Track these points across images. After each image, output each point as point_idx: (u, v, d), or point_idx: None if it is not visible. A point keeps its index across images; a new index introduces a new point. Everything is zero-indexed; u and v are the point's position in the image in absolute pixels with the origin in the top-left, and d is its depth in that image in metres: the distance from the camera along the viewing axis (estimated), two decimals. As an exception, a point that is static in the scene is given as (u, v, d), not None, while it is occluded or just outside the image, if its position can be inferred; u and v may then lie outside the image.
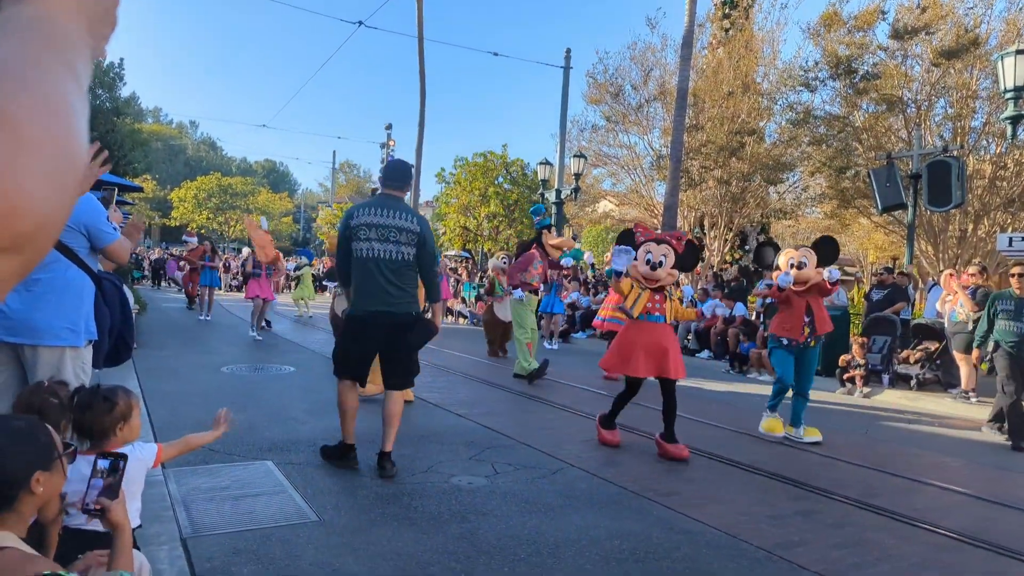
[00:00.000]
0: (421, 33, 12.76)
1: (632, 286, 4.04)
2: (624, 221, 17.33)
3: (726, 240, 14.78)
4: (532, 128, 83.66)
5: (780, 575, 2.47)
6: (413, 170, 5.03)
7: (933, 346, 7.45)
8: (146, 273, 21.52)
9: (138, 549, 1.59)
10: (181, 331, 9.41)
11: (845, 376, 7.20)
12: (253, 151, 73.07)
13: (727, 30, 14.99)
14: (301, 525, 2.65)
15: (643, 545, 2.64)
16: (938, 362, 7.39)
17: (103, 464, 1.41)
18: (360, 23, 13.30)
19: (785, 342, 4.45)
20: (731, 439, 4.58)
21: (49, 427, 1.30)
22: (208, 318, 10.79)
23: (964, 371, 6.79)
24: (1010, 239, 8.30)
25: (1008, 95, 6.96)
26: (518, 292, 6.68)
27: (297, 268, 13.21)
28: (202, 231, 30.50)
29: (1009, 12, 11.15)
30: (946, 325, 7.15)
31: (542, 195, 15.03)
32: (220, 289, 13.82)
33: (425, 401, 5.21)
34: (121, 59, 14.49)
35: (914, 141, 9.87)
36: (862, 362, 7.15)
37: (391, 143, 22.40)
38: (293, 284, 13.11)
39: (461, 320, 13.83)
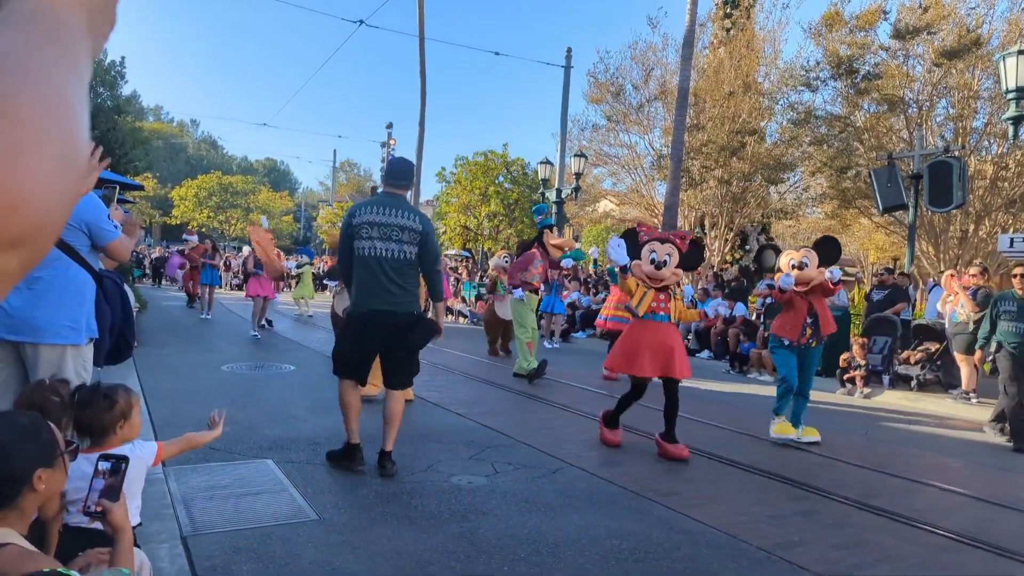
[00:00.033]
0: (422, 32, 12.76)
1: (638, 284, 4.02)
2: (624, 221, 17.32)
3: (727, 240, 14.77)
4: (533, 127, 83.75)
5: (780, 575, 2.47)
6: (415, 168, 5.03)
7: (934, 347, 7.44)
8: (147, 272, 21.53)
9: (138, 547, 1.59)
10: (182, 329, 9.42)
11: (845, 376, 7.20)
12: (254, 150, 73.10)
13: (728, 30, 14.98)
14: (301, 524, 2.65)
15: (643, 545, 2.64)
16: (939, 363, 7.38)
17: (104, 465, 1.41)
18: (361, 22, 13.30)
19: (786, 343, 4.44)
20: (731, 439, 4.58)
21: (51, 424, 1.30)
22: (208, 317, 10.79)
23: (965, 372, 6.78)
24: (1011, 240, 8.29)
25: (1010, 95, 6.95)
26: (518, 292, 6.68)
27: (298, 267, 13.20)
28: (203, 229, 30.52)
29: (1011, 12, 11.14)
30: (947, 326, 7.14)
31: (542, 194, 15.02)
32: (221, 288, 13.83)
33: (425, 400, 5.21)
34: (122, 57, 14.51)
35: (915, 141, 9.88)
36: (862, 363, 7.15)
37: (392, 142, 22.39)
38: (293, 283, 13.11)
39: (461, 319, 13.83)
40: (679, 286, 4.34)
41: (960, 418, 6.23)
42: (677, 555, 2.57)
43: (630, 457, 3.97)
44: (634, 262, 4.06)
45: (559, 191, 14.27)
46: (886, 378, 7.42)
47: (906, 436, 5.27)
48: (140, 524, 1.74)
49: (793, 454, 4.24)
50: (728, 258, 14.80)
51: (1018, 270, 5.17)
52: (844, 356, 7.27)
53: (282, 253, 11.53)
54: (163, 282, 21.53)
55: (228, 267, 17.53)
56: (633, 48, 15.02)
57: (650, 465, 3.83)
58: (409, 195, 3.56)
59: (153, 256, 23.04)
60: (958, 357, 6.87)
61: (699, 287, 10.39)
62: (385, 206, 3.25)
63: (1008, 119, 7.10)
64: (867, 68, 11.78)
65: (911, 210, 9.40)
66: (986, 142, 11.82)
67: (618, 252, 3.96)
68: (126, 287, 2.63)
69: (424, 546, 2.51)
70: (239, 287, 17.20)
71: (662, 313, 4.02)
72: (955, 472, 4.15)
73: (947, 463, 4.38)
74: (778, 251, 5.11)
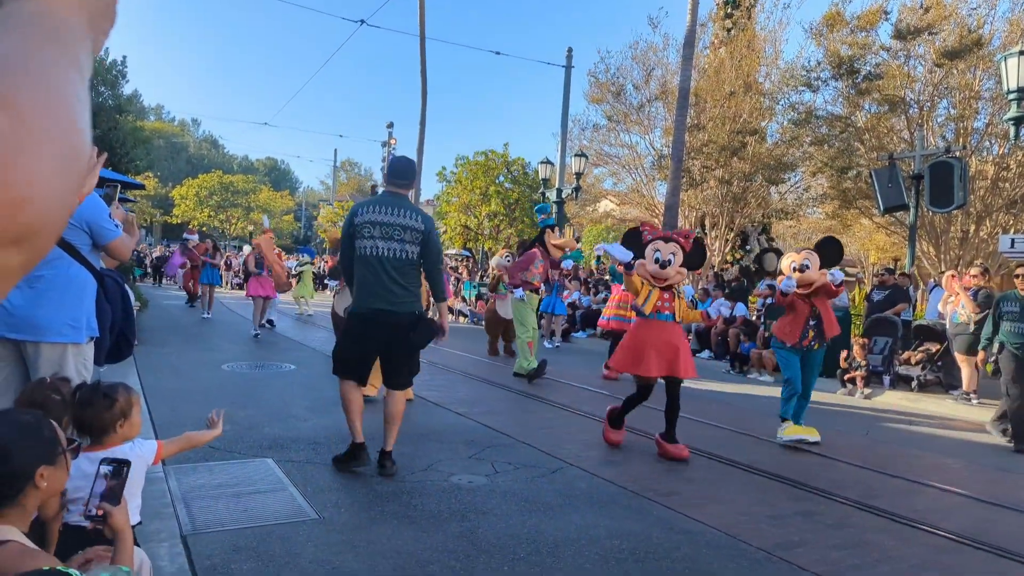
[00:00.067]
0: (423, 32, 12.76)
1: (643, 283, 4.01)
2: (625, 221, 17.32)
3: (727, 240, 14.76)
4: (533, 127, 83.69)
5: (780, 575, 2.47)
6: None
7: (934, 347, 7.44)
8: (148, 271, 21.54)
9: (138, 546, 1.59)
10: (182, 328, 9.43)
11: (846, 377, 7.19)
12: (255, 149, 73.18)
13: (729, 30, 14.97)
14: (301, 523, 2.66)
15: (643, 545, 2.64)
16: (939, 363, 7.38)
17: (106, 469, 1.41)
18: (362, 22, 13.30)
19: (788, 346, 4.40)
20: (731, 439, 4.58)
21: (53, 422, 1.31)
22: (209, 316, 10.80)
23: (965, 372, 6.78)
24: (1012, 240, 8.28)
25: (1011, 96, 6.94)
26: (519, 291, 6.68)
27: (299, 266, 13.22)
28: (203, 228, 30.53)
29: (1013, 13, 11.12)
30: (947, 326, 7.14)
31: (543, 194, 15.02)
32: (221, 287, 13.83)
33: (425, 400, 5.21)
34: (124, 57, 14.53)
35: (916, 142, 9.86)
36: (863, 363, 7.14)
37: (392, 141, 22.40)
38: (294, 281, 13.12)
39: (461, 319, 13.83)
40: (681, 285, 4.31)
41: (961, 419, 6.23)
42: (677, 555, 2.57)
43: (630, 457, 3.97)
44: (638, 261, 4.04)
45: (559, 191, 14.27)
46: (887, 378, 7.42)
47: (906, 437, 5.26)
48: (140, 523, 1.74)
49: (793, 454, 4.23)
50: (729, 258, 14.80)
51: (1020, 270, 5.17)
52: (843, 352, 7.26)
53: (283, 252, 11.55)
54: (163, 281, 21.55)
55: (229, 266, 17.55)
56: (634, 48, 15.03)
57: (650, 465, 3.83)
58: (410, 194, 3.55)
59: (154, 255, 23.06)
60: (959, 358, 6.86)
61: (699, 287, 10.39)
62: (387, 205, 3.24)
63: (1009, 120, 7.09)
64: (868, 68, 11.77)
65: (912, 210, 9.39)
66: (987, 143, 11.81)
67: (617, 250, 3.93)
68: (126, 286, 2.63)
69: (424, 545, 2.51)
70: (240, 286, 17.20)
71: (667, 312, 4.00)
72: (955, 473, 4.15)
73: (948, 464, 4.38)
74: (780, 254, 5.08)
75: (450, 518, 2.79)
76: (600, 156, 16.28)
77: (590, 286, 12.51)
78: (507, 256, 8.22)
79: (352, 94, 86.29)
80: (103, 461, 1.42)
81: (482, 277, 16.90)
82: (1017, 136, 7.38)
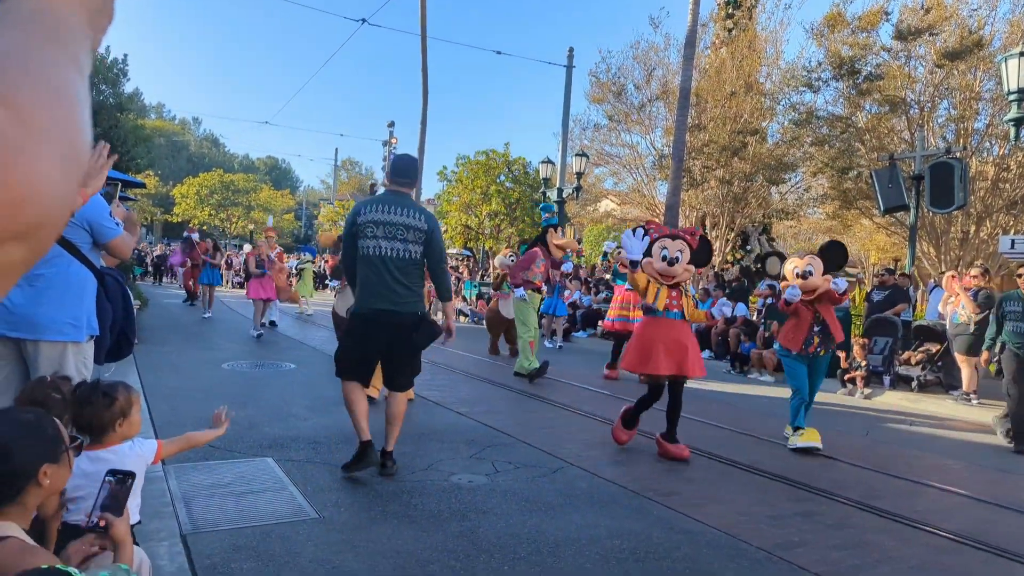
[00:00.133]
0: (424, 31, 12.75)
1: (649, 281, 3.99)
2: (626, 220, 17.31)
3: (728, 240, 14.76)
4: (534, 127, 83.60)
5: (780, 575, 2.47)
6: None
7: (934, 348, 7.44)
8: (148, 269, 21.53)
9: (137, 545, 1.59)
10: (182, 327, 9.43)
11: (846, 377, 7.19)
12: (256, 148, 73.23)
13: (730, 30, 14.96)
14: (301, 522, 2.65)
15: (643, 545, 2.64)
16: (939, 364, 7.38)
17: (111, 480, 1.42)
18: (363, 21, 13.30)
19: (794, 353, 4.34)
20: (732, 439, 4.58)
21: (56, 420, 1.31)
22: (209, 315, 10.80)
23: (965, 373, 6.77)
24: (1012, 241, 8.28)
25: (1012, 97, 6.94)
26: (519, 291, 6.67)
27: (299, 264, 13.22)
28: (204, 227, 30.53)
29: (1013, 14, 11.12)
30: (948, 327, 7.13)
31: (544, 193, 15.02)
32: (221, 286, 13.82)
33: (426, 399, 5.21)
34: (125, 55, 14.50)
35: (917, 142, 9.86)
36: (863, 363, 7.14)
37: (393, 141, 22.39)
38: (295, 280, 13.12)
39: (462, 318, 13.83)
40: (688, 284, 4.28)
41: (961, 419, 6.22)
42: (677, 555, 2.57)
43: (631, 457, 3.96)
44: (645, 259, 4.01)
45: (560, 190, 14.26)
46: (887, 379, 7.42)
47: (907, 437, 5.26)
48: (139, 522, 1.74)
49: (793, 455, 4.23)
50: (729, 258, 14.80)
51: (1023, 270, 5.16)
52: (844, 356, 7.26)
53: (283, 252, 11.54)
54: (164, 280, 21.56)
55: (230, 265, 17.55)
56: (635, 48, 15.02)
57: (651, 465, 3.83)
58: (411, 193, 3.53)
59: (155, 254, 23.05)
60: (959, 358, 6.86)
61: (700, 287, 10.39)
62: (390, 205, 3.20)
63: (1010, 121, 7.09)
64: (869, 69, 11.76)
65: (912, 211, 9.39)
66: (987, 143, 11.81)
67: (633, 244, 3.84)
68: (126, 285, 2.62)
69: (424, 545, 2.51)
70: (240, 285, 17.20)
71: (675, 310, 3.98)
72: (956, 473, 4.15)
73: (948, 464, 4.37)
74: (783, 258, 5.02)
75: (450, 518, 2.79)
76: (601, 156, 16.28)
77: (591, 286, 12.51)
78: (511, 256, 8.22)
79: (353, 93, 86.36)
80: (108, 472, 1.42)
81: (483, 276, 16.89)
82: (1017, 137, 7.37)
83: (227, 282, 18.20)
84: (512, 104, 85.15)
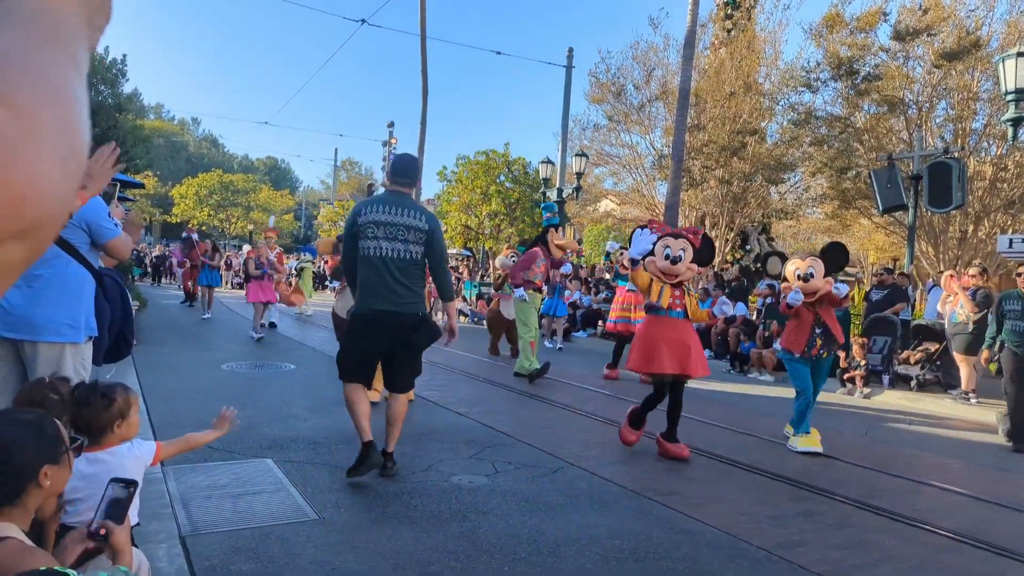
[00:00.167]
0: (424, 31, 12.75)
1: (652, 280, 3.98)
2: (625, 220, 17.33)
3: (727, 240, 14.78)
4: (534, 127, 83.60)
5: (780, 575, 2.46)
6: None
7: (933, 347, 7.45)
8: (147, 270, 21.50)
9: (136, 547, 1.59)
10: (181, 328, 9.41)
11: (845, 376, 7.20)
12: (255, 148, 73.18)
13: (729, 30, 14.98)
14: (300, 523, 2.65)
15: (643, 544, 2.63)
16: (938, 363, 7.39)
17: (115, 488, 1.42)
18: (363, 21, 13.30)
19: (797, 355, 4.32)
20: (732, 439, 4.58)
21: (57, 421, 1.30)
22: (209, 316, 10.79)
23: (964, 372, 6.78)
24: (1010, 240, 8.29)
25: (1009, 97, 6.95)
26: (519, 291, 6.67)
27: (299, 264, 13.20)
28: (203, 228, 30.48)
29: (1010, 15, 11.15)
30: (946, 326, 7.14)
31: (543, 193, 15.02)
32: (220, 287, 13.80)
33: (426, 399, 5.20)
34: (124, 55, 14.48)
35: (915, 142, 9.87)
36: (862, 362, 7.15)
37: (393, 141, 22.38)
38: (295, 280, 13.10)
39: (462, 318, 13.83)
40: (699, 282, 4.27)
41: (960, 418, 6.23)
42: (677, 555, 2.56)
43: (631, 456, 3.96)
44: (648, 258, 4.00)
45: (560, 191, 14.27)
46: (886, 378, 7.43)
47: (906, 436, 5.27)
48: (138, 524, 1.73)
49: (793, 454, 4.23)
50: (729, 258, 14.81)
51: (1023, 269, 5.16)
52: (843, 355, 7.26)
53: (283, 252, 11.52)
54: (163, 280, 21.54)
55: (229, 266, 17.52)
56: (634, 48, 15.04)
57: (651, 464, 3.83)
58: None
59: (153, 254, 23.03)
60: (957, 357, 6.87)
61: (699, 287, 10.40)
62: (390, 205, 3.18)
63: (1007, 121, 7.10)
64: (867, 69, 11.78)
65: (911, 211, 9.40)
66: (985, 143, 11.83)
67: (639, 242, 3.83)
68: (124, 286, 2.62)
69: (424, 546, 2.51)
70: (240, 286, 17.18)
71: (678, 309, 3.97)
72: (955, 472, 4.15)
73: (947, 463, 4.38)
74: (784, 258, 5.00)
75: (451, 518, 2.78)
76: (601, 156, 16.29)
77: (591, 286, 12.52)
78: (512, 256, 8.22)
79: (353, 93, 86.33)
80: (112, 480, 1.42)
81: (483, 276, 16.89)
82: (1015, 137, 7.38)
83: (226, 283, 18.18)
84: (512, 104, 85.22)
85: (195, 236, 13.02)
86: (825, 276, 4.30)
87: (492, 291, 9.99)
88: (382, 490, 3.07)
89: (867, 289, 9.10)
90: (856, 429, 5.36)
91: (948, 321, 7.06)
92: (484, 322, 10.46)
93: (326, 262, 16.57)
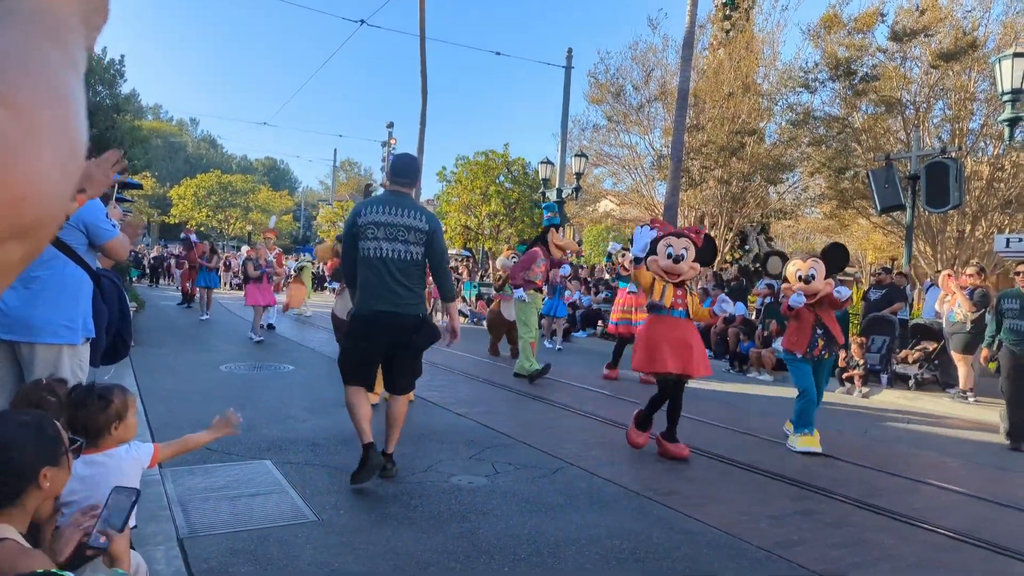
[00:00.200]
0: (423, 32, 12.75)
1: (654, 279, 3.97)
2: (625, 221, 17.35)
3: (726, 240, 14.80)
4: (533, 127, 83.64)
5: (780, 575, 2.46)
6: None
7: (931, 346, 7.46)
8: (145, 271, 21.46)
9: (134, 549, 1.58)
10: (179, 329, 9.40)
11: (844, 376, 7.21)
12: (254, 149, 73.09)
13: (728, 31, 15.02)
14: (299, 525, 2.64)
15: (643, 545, 2.63)
16: (936, 362, 7.41)
17: (117, 497, 1.41)
18: (362, 22, 13.30)
19: (799, 356, 4.32)
20: (731, 438, 4.58)
21: (57, 423, 1.30)
22: (207, 317, 10.77)
23: (962, 371, 6.80)
24: (1007, 240, 8.32)
25: (1005, 97, 6.97)
26: (518, 292, 6.66)
27: (299, 264, 13.18)
28: (201, 228, 30.44)
29: (1007, 15, 11.19)
30: (944, 325, 7.16)
31: (543, 194, 15.03)
32: (219, 288, 13.78)
33: (425, 400, 5.20)
34: (122, 56, 14.43)
35: (912, 142, 9.89)
36: (861, 362, 7.16)
37: (392, 141, 22.38)
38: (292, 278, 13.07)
39: (461, 319, 13.81)
40: (692, 282, 4.26)
41: (958, 417, 6.25)
42: (677, 555, 2.56)
43: (631, 456, 3.96)
44: (650, 257, 4.00)
45: (560, 191, 14.28)
46: (884, 377, 7.44)
47: (904, 435, 5.27)
48: (135, 526, 1.72)
49: (792, 454, 4.24)
50: (728, 258, 14.83)
51: (1022, 268, 5.16)
52: (841, 353, 7.27)
53: (282, 253, 11.50)
54: (161, 282, 21.50)
55: (228, 267, 17.48)
56: (633, 49, 15.07)
57: (651, 464, 3.83)
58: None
59: (151, 255, 22.99)
60: (955, 356, 6.88)
61: (699, 287, 10.42)
62: (390, 205, 3.16)
63: (1004, 120, 7.12)
64: (865, 70, 11.81)
65: (908, 210, 9.41)
66: (982, 143, 11.87)
67: (640, 239, 3.84)
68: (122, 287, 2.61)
69: (424, 547, 2.50)
70: (239, 287, 17.14)
71: (680, 309, 3.97)
72: (953, 471, 4.16)
73: (946, 462, 4.38)
74: (784, 258, 4.99)
75: (450, 519, 2.78)
76: (600, 156, 16.31)
77: (590, 286, 12.52)
78: (512, 257, 8.22)
79: (352, 94, 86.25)
80: (115, 489, 1.42)
81: (482, 277, 16.88)
82: (1011, 137, 7.41)
83: (225, 284, 18.15)
84: (511, 105, 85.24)
85: (193, 237, 12.99)
86: (826, 278, 4.30)
87: (493, 292, 9.98)
88: (381, 491, 3.07)
89: (865, 289, 9.13)
90: (855, 428, 5.36)
91: (946, 320, 7.08)
92: (484, 323, 10.45)
93: (326, 264, 16.56)
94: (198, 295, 11.59)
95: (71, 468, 1.30)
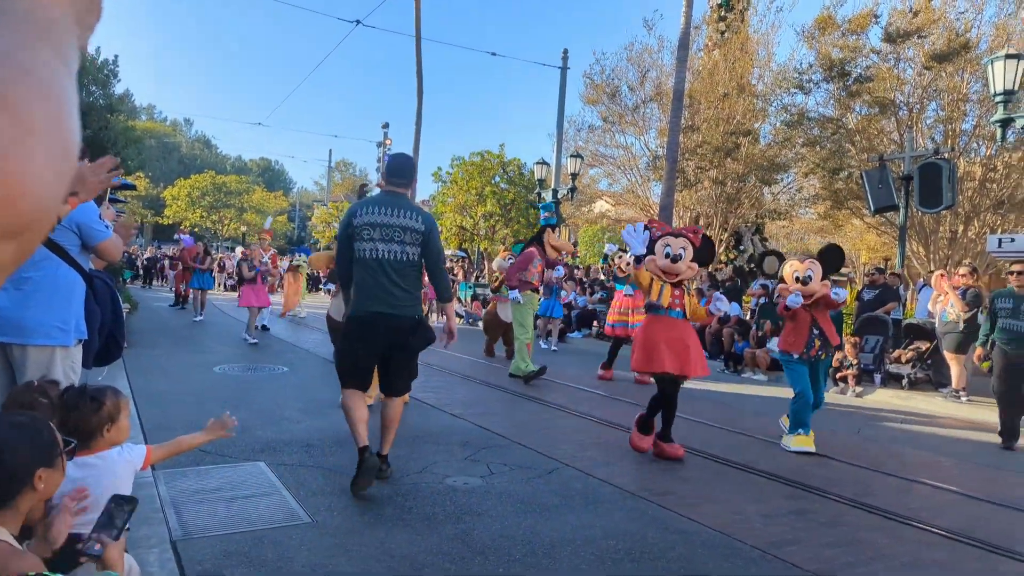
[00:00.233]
0: (418, 32, 12.75)
1: (652, 279, 3.98)
2: (620, 221, 17.35)
3: (721, 240, 14.86)
4: (529, 128, 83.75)
5: (774, 574, 2.47)
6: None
7: (924, 346, 7.52)
8: (139, 272, 21.34)
9: (127, 552, 1.57)
10: (172, 331, 9.34)
11: (838, 375, 7.25)
12: (248, 149, 72.93)
13: (723, 32, 15.08)
14: (294, 527, 2.63)
15: (638, 545, 2.64)
16: (929, 362, 7.46)
17: (115, 505, 1.41)
18: (358, 22, 13.28)
19: (796, 356, 4.33)
20: (726, 438, 4.60)
21: (52, 425, 1.29)
22: (201, 318, 10.71)
23: (955, 370, 6.85)
24: (999, 240, 8.38)
25: (998, 99, 7.03)
26: (513, 293, 6.65)
27: (294, 263, 13.14)
28: (195, 229, 30.28)
29: (999, 17, 11.30)
30: (937, 325, 7.21)
31: (539, 194, 15.05)
32: (213, 289, 13.71)
33: (420, 401, 5.19)
34: (115, 56, 14.36)
35: (906, 143, 9.96)
36: (854, 361, 7.20)
37: (388, 142, 22.34)
38: (288, 277, 13.02)
39: (457, 319, 13.79)
40: (689, 283, 4.26)
41: (951, 416, 6.29)
42: (672, 555, 2.57)
43: (625, 457, 3.97)
44: (648, 257, 4.00)
45: (555, 191, 14.30)
46: (878, 377, 7.49)
47: (898, 434, 5.31)
48: (128, 529, 1.71)
49: (787, 453, 4.25)
50: (723, 258, 14.89)
51: (1016, 267, 5.19)
52: (837, 355, 7.31)
53: (277, 254, 11.47)
54: (154, 283, 21.38)
55: (222, 268, 17.39)
56: (629, 50, 15.11)
57: (646, 465, 3.83)
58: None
59: (145, 257, 22.86)
60: (948, 356, 6.93)
61: (694, 287, 10.45)
62: (386, 206, 3.14)
63: (996, 121, 7.18)
64: (859, 71, 11.89)
65: (902, 211, 9.48)
66: (975, 144, 11.97)
67: (635, 239, 3.84)
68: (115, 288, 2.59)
69: (418, 548, 2.50)
70: (233, 288, 17.06)
71: (678, 309, 3.97)
72: (947, 470, 4.19)
73: (939, 461, 4.41)
74: (781, 258, 5.01)
75: (445, 520, 2.78)
76: (595, 157, 16.34)
77: (585, 286, 12.54)
78: (509, 258, 8.22)
79: (347, 94, 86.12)
80: (113, 498, 1.41)
81: (477, 278, 16.87)
82: (1003, 138, 7.47)
83: (220, 285, 18.06)
84: (507, 105, 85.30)
85: (187, 238, 12.90)
86: (822, 279, 4.33)
87: (490, 294, 9.96)
88: (376, 493, 3.06)
89: (859, 289, 9.18)
90: (848, 428, 5.39)
91: (939, 320, 7.13)
92: (479, 323, 10.44)
93: (321, 272, 16.47)
94: (191, 296, 11.52)
95: (65, 470, 1.30)
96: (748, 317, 9.22)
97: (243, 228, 34.52)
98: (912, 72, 11.82)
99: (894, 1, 12.14)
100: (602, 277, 12.82)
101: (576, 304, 11.85)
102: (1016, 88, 7.01)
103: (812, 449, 4.23)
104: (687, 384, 4.34)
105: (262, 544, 2.45)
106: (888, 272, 9.06)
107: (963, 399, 6.67)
